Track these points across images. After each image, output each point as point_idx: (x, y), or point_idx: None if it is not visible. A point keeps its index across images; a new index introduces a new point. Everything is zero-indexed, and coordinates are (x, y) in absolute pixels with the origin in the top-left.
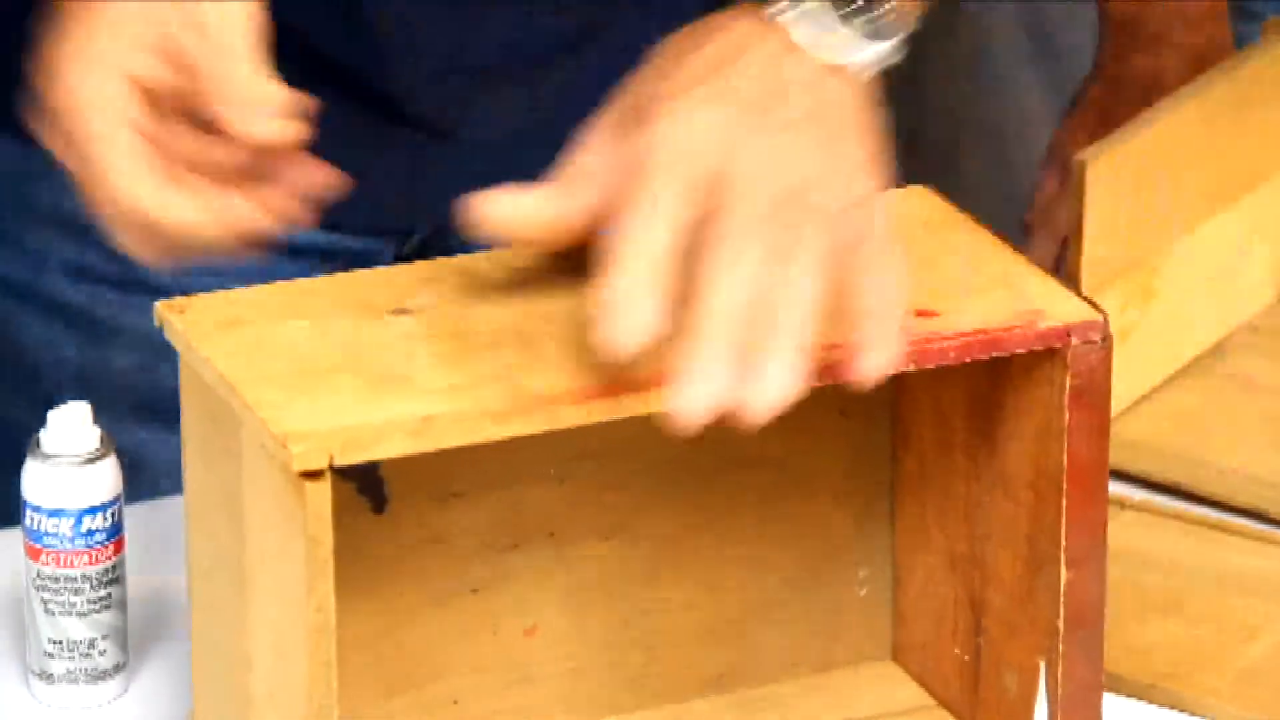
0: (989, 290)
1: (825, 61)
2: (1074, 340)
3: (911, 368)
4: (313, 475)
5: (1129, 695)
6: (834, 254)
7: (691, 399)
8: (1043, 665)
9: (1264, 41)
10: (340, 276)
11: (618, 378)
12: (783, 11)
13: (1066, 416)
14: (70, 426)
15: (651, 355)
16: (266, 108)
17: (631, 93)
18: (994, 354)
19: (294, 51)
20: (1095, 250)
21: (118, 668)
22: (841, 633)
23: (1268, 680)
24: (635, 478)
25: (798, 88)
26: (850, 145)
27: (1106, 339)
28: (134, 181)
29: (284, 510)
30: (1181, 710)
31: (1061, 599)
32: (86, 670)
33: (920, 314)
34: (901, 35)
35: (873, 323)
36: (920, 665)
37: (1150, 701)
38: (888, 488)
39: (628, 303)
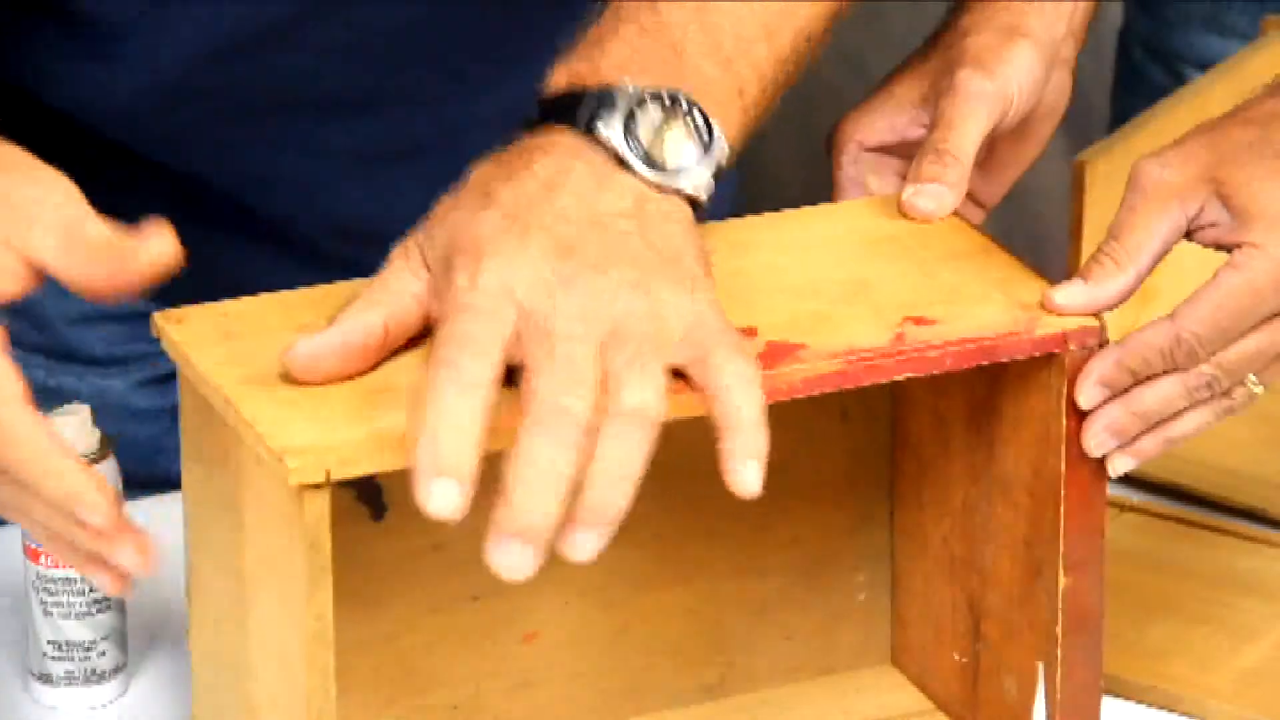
0: (986, 297)
1: (651, 182)
2: (1071, 346)
3: (909, 376)
4: (311, 487)
5: (1128, 697)
6: (660, 392)
7: (502, 563)
8: (1041, 669)
9: (1263, 41)
10: (336, 287)
11: None
12: (611, 131)
13: (1064, 422)
14: (70, 428)
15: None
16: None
17: (444, 219)
18: (991, 361)
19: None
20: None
21: (117, 669)
22: (840, 637)
23: (1267, 681)
24: None
25: (616, 219)
26: (671, 272)
27: (1104, 344)
28: None
29: (283, 519)
30: (1181, 712)
31: (1060, 603)
32: (86, 672)
33: (917, 321)
34: (723, 158)
35: (738, 436)
36: (919, 669)
37: (1149, 703)
38: (886, 492)
39: (432, 475)
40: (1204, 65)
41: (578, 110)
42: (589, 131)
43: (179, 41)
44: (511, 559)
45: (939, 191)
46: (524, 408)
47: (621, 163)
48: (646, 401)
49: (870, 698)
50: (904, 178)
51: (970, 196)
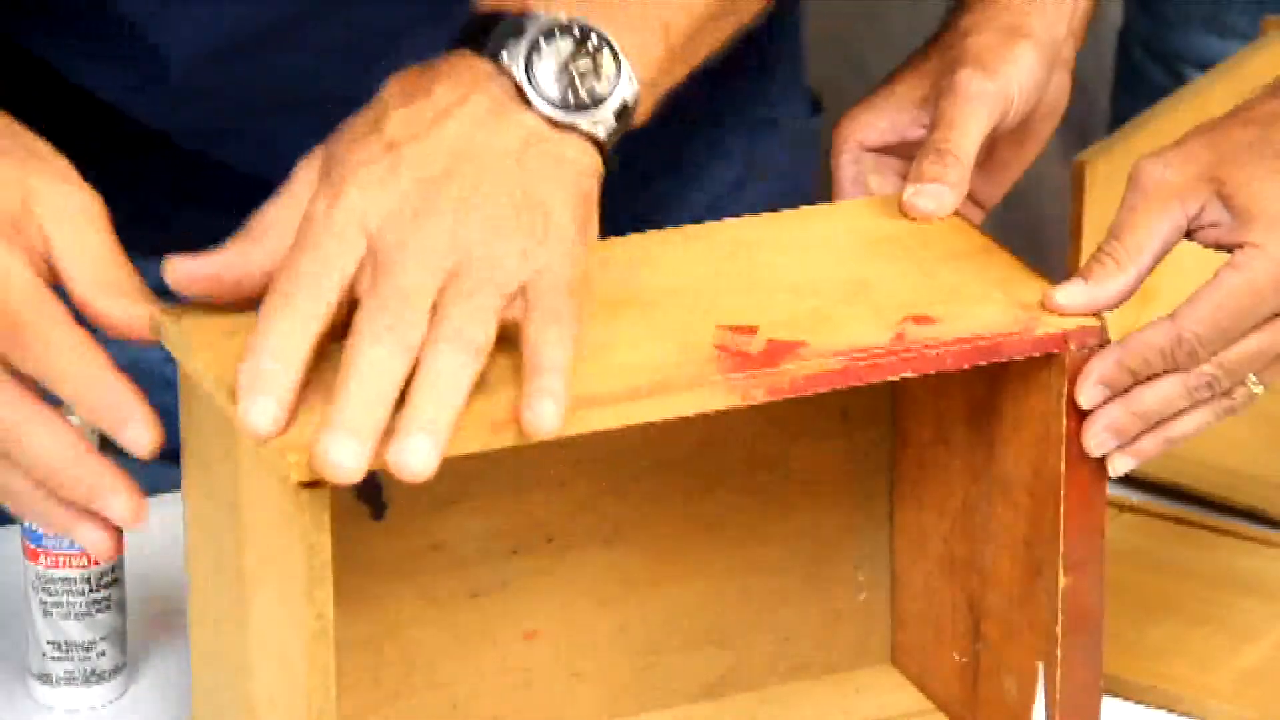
0: (986, 296)
1: (548, 118)
2: (1072, 346)
3: (910, 374)
4: (310, 484)
5: (1128, 697)
6: (487, 327)
7: (334, 456)
8: (1041, 668)
9: (1263, 41)
10: None
11: (615, 387)
12: (514, 61)
13: (1065, 422)
14: None
15: (639, 369)
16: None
17: (339, 138)
18: (991, 360)
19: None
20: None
21: (116, 669)
22: (840, 637)
23: (1267, 681)
24: (634, 482)
25: (496, 156)
26: (532, 220)
27: (1104, 344)
28: None
29: (282, 517)
30: (1181, 712)
31: (1060, 603)
32: (85, 672)
33: (918, 321)
34: (631, 98)
35: (538, 377)
36: (919, 669)
37: (1149, 704)
38: (886, 491)
39: (250, 393)
40: (1204, 65)
41: (486, 37)
42: (494, 59)
43: (180, 41)
44: (339, 451)
45: (939, 191)
46: (354, 328)
47: (523, 95)
48: (470, 331)
49: (870, 698)
50: (904, 178)
51: (970, 197)
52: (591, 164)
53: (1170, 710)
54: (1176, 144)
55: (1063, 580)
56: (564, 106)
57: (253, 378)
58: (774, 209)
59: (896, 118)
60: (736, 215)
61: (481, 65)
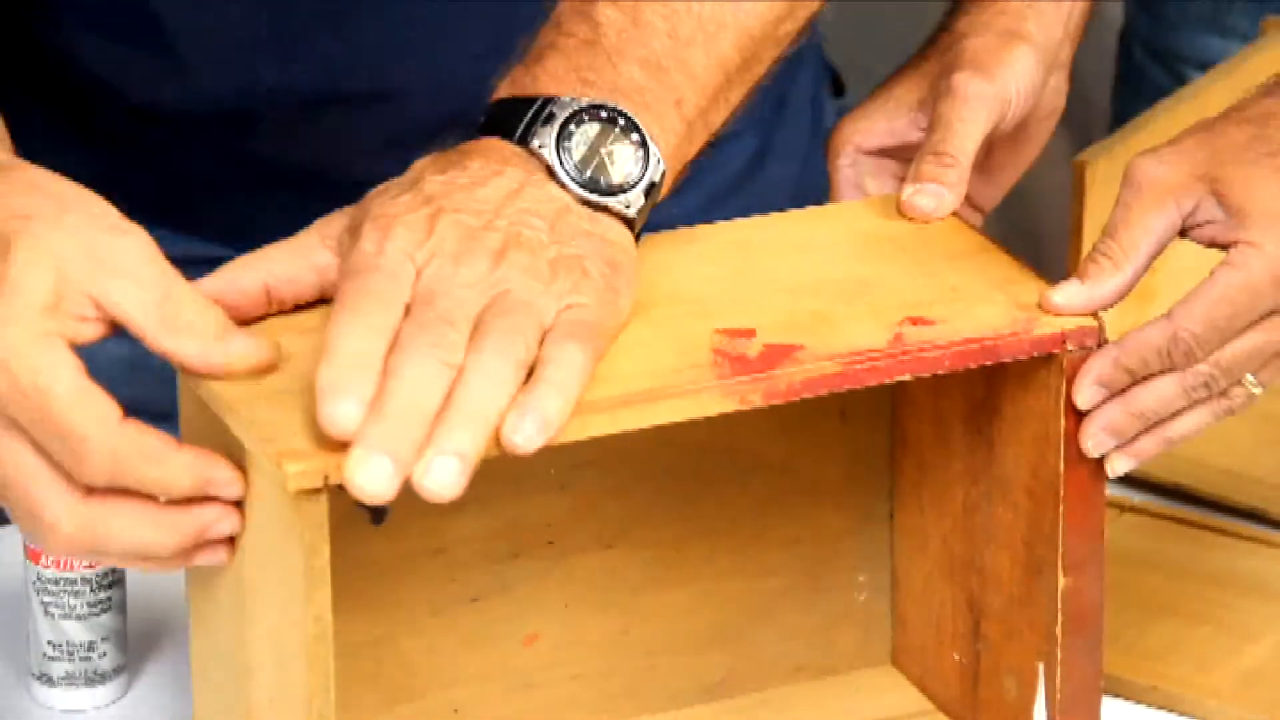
0: (985, 297)
1: (580, 197)
2: (1070, 346)
3: (908, 377)
4: (309, 493)
5: (1128, 698)
6: (528, 344)
7: (361, 478)
8: (1041, 669)
9: (1264, 41)
10: None
11: (612, 393)
12: (544, 144)
13: (1063, 422)
14: None
15: (637, 374)
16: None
17: (369, 201)
18: (989, 362)
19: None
20: None
21: (117, 670)
22: (841, 638)
23: (1268, 682)
24: (635, 485)
25: (529, 217)
26: (566, 267)
27: (1102, 344)
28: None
29: (281, 522)
30: (1181, 713)
31: (1060, 604)
32: (86, 673)
33: (916, 322)
34: (658, 176)
35: (536, 388)
36: (919, 670)
37: (1150, 704)
38: (886, 492)
39: (333, 395)
40: (1204, 65)
41: (514, 122)
42: (523, 143)
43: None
44: (367, 472)
45: (939, 191)
46: (396, 347)
47: (554, 176)
48: (510, 347)
49: (870, 698)
50: (902, 180)
51: (968, 200)
52: (620, 238)
53: (1171, 710)
54: (1171, 142)
55: (1063, 580)
56: (594, 189)
57: (333, 382)
58: (791, 191)
59: (894, 121)
60: (754, 194)
61: (511, 149)
